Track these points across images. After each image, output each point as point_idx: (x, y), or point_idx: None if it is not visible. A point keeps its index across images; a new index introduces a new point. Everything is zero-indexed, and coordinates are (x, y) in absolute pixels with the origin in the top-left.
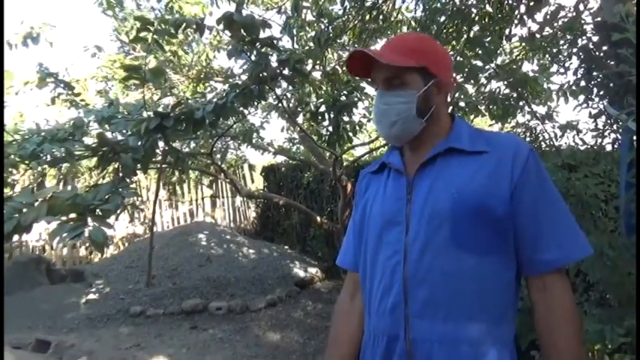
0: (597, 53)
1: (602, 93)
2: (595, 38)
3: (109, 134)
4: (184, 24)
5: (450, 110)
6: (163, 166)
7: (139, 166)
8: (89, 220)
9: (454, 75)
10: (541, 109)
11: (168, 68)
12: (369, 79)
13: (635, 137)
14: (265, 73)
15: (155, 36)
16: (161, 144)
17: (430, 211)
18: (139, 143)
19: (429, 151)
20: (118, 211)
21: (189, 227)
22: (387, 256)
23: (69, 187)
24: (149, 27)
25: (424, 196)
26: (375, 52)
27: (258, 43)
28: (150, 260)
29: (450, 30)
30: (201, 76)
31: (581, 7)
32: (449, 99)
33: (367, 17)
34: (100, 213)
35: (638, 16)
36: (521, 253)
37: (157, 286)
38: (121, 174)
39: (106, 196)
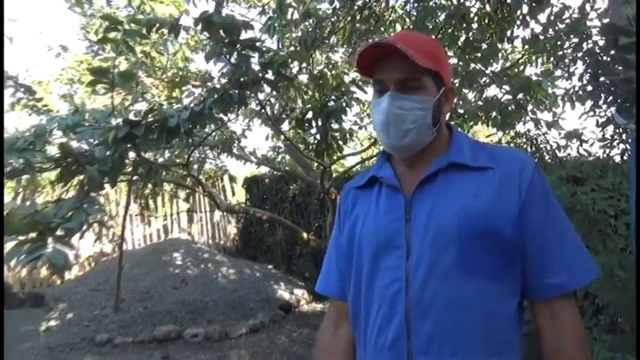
0: (604, 58)
1: (609, 100)
2: (601, 42)
3: (73, 143)
4: (157, 24)
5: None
6: (134, 178)
7: (106, 179)
8: (49, 240)
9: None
10: (546, 116)
11: (140, 71)
12: (374, 79)
13: None
14: (246, 77)
15: (125, 37)
16: (132, 154)
17: (434, 232)
18: (107, 154)
19: (428, 165)
20: (84, 228)
21: (163, 245)
22: (385, 283)
23: (28, 203)
24: (118, 27)
25: (426, 217)
26: (400, 45)
27: (238, 45)
28: (118, 282)
29: (448, 31)
30: (177, 79)
31: (588, 7)
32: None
33: (358, 17)
34: (61, 232)
35: (638, 17)
36: (527, 276)
37: (125, 311)
38: (86, 188)
39: (69, 213)
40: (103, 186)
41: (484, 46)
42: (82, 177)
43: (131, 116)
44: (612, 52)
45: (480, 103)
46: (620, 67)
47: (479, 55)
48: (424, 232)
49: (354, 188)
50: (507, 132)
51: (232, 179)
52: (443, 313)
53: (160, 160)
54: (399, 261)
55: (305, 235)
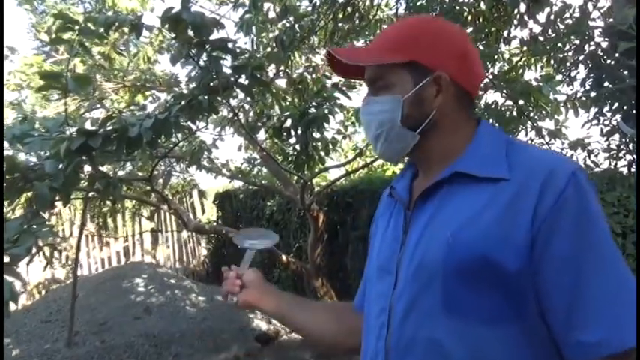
0: (607, 61)
1: (614, 107)
2: (604, 44)
3: (21, 156)
4: (117, 23)
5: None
6: (90, 194)
7: (58, 196)
8: None
9: (471, 66)
10: (547, 124)
11: (98, 74)
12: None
13: None
14: (217, 81)
15: (81, 37)
16: (87, 168)
17: (419, 261)
18: (59, 167)
19: (439, 173)
20: (33, 252)
21: (124, 269)
22: (376, 313)
23: None
24: (73, 26)
25: (416, 239)
26: (348, 49)
27: (208, 46)
28: (72, 312)
29: None
30: (139, 84)
31: (590, 6)
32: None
33: (340, 15)
34: (7, 259)
35: (638, 17)
36: (551, 328)
37: (80, 345)
38: (35, 206)
39: (15, 236)
40: (55, 204)
41: (480, 47)
42: (30, 194)
43: (87, 125)
44: (617, 54)
45: (476, 110)
46: (625, 72)
47: None
48: (410, 258)
49: (387, 195)
50: None
51: (202, 195)
52: (423, 358)
53: (120, 173)
54: (387, 290)
55: (284, 256)
